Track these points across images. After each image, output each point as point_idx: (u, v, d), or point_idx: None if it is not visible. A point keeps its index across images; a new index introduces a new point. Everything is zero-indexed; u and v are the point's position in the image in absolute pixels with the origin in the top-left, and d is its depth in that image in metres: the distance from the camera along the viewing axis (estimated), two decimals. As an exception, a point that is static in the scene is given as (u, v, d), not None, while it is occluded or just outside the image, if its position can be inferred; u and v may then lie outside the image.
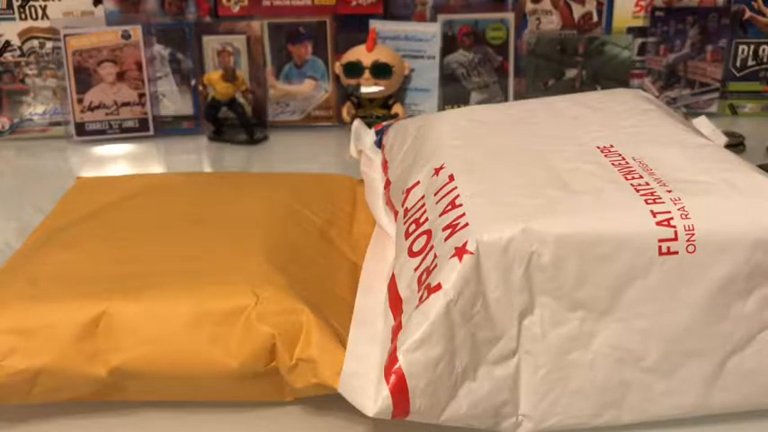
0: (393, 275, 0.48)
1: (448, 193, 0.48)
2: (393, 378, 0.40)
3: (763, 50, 0.99)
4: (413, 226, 0.50)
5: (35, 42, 0.96)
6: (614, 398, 0.44)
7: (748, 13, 0.98)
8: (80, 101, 0.95)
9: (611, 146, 0.52)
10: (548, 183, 0.47)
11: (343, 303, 0.50)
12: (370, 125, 0.75)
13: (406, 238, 0.50)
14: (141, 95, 0.96)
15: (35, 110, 0.97)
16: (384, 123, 0.71)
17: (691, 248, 0.42)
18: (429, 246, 0.46)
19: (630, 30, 0.99)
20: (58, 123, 0.97)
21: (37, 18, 0.95)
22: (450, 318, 0.41)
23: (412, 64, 0.98)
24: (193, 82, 0.98)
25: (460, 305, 0.42)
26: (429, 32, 0.97)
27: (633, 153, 0.50)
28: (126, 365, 0.45)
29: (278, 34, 0.98)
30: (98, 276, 0.50)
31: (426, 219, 0.49)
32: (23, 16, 0.95)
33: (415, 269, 0.46)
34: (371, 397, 0.41)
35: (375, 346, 0.45)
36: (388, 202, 0.59)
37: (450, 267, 0.42)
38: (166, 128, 0.99)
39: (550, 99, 0.63)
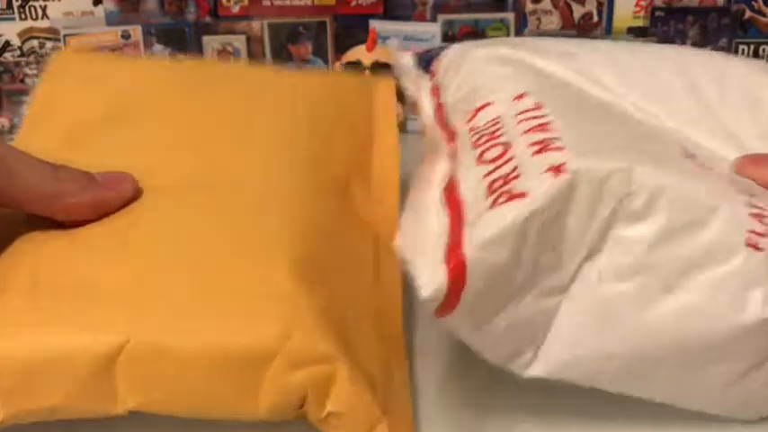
0: (450, 180, 0.45)
1: (535, 117, 0.46)
2: (454, 268, 0.38)
3: (763, 50, 0.99)
4: (483, 138, 0.47)
5: (35, 42, 0.96)
6: (644, 373, 0.42)
7: (748, 13, 0.98)
8: (80, 101, 0.95)
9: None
10: (639, 140, 0.45)
11: (370, 311, 0.46)
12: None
13: (475, 148, 0.47)
14: (141, 95, 0.96)
15: (35, 110, 0.97)
16: (426, 49, 0.64)
17: None
18: (507, 156, 0.43)
19: (630, 30, 0.99)
20: (57, 123, 0.97)
21: (37, 18, 0.95)
22: (527, 228, 0.39)
23: (412, 64, 0.98)
24: (193, 82, 0.98)
25: (541, 220, 0.39)
26: (429, 32, 0.97)
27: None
28: (145, 408, 0.41)
29: (278, 34, 0.98)
30: (112, 290, 0.43)
31: (502, 134, 0.46)
32: (23, 16, 0.95)
33: (485, 175, 0.43)
34: (429, 275, 0.38)
35: (426, 237, 0.41)
36: (440, 123, 0.55)
37: (541, 180, 0.39)
38: (166, 128, 0.99)
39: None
